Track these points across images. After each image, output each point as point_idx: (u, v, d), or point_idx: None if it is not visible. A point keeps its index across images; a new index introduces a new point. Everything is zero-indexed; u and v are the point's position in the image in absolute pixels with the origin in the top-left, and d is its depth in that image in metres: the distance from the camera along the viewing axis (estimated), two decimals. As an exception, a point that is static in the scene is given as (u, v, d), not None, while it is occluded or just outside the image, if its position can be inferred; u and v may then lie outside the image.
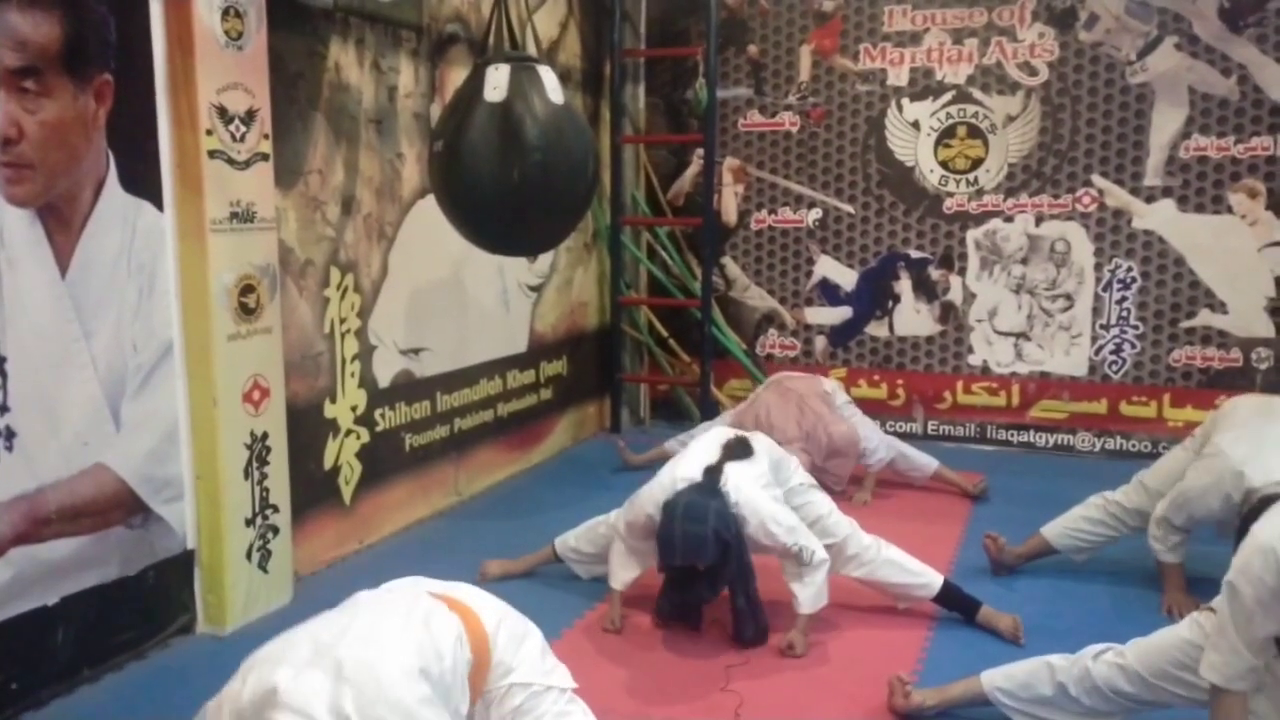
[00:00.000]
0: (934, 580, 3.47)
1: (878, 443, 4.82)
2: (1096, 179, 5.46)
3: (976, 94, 5.60)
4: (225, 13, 3.20)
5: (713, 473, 3.28)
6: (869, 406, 5.46)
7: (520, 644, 2.23)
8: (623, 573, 3.46)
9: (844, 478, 4.68)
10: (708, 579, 3.17)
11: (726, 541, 3.09)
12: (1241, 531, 2.99)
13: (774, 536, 3.20)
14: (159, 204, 3.17)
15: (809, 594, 3.25)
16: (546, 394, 5.59)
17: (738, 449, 3.43)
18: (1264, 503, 3.03)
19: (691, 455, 3.42)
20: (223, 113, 3.22)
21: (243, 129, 3.30)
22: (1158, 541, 3.54)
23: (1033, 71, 5.50)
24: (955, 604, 3.48)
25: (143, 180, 3.12)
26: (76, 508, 2.97)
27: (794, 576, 3.27)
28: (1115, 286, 5.49)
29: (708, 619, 3.43)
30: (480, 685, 2.15)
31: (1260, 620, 2.23)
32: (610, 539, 3.57)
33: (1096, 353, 5.57)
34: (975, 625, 3.42)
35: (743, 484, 3.26)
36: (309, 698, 1.79)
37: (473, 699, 2.12)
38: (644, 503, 3.33)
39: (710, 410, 5.80)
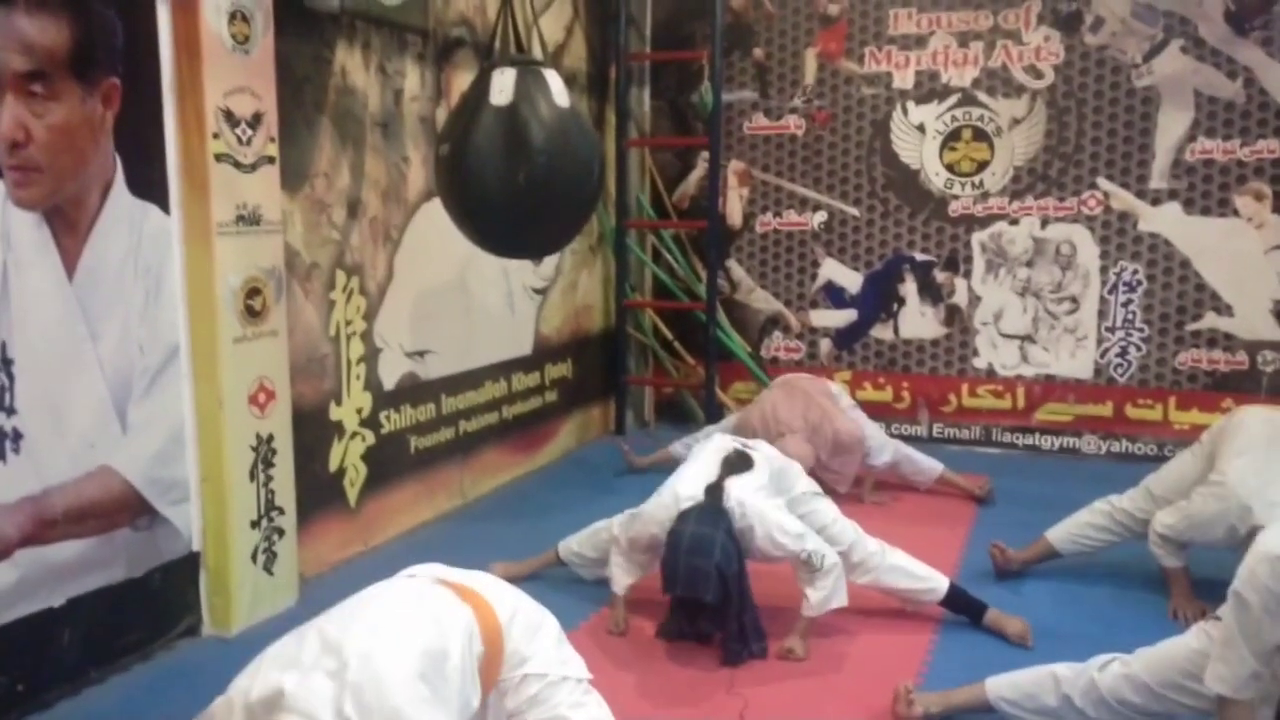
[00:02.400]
0: (940, 584, 3.47)
1: (881, 443, 4.83)
2: (1102, 182, 5.46)
3: (982, 97, 5.60)
4: (232, 17, 3.21)
5: (714, 491, 3.26)
6: (874, 409, 5.46)
7: (535, 633, 2.24)
8: (623, 578, 3.47)
9: (849, 477, 4.68)
10: (711, 614, 3.18)
11: (727, 579, 3.09)
12: None
13: (783, 546, 3.20)
14: (165, 207, 3.19)
15: (820, 597, 3.24)
16: (551, 396, 5.60)
17: (737, 463, 3.40)
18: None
19: (691, 473, 3.40)
20: (229, 116, 3.23)
21: (249, 132, 3.31)
22: (1160, 550, 3.54)
23: (1038, 74, 5.50)
24: (962, 607, 3.48)
25: (149, 183, 3.13)
26: (83, 509, 2.98)
27: (806, 581, 3.27)
28: (1121, 289, 5.48)
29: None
30: (493, 676, 2.15)
31: (1269, 629, 2.22)
32: (611, 544, 3.57)
33: (1102, 355, 5.56)
34: (982, 628, 3.42)
35: (745, 496, 3.25)
36: (314, 700, 1.84)
37: (485, 689, 2.12)
38: (647, 522, 3.33)
39: (715, 413, 5.80)
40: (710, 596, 3.06)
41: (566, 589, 3.73)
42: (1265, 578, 2.21)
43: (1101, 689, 2.60)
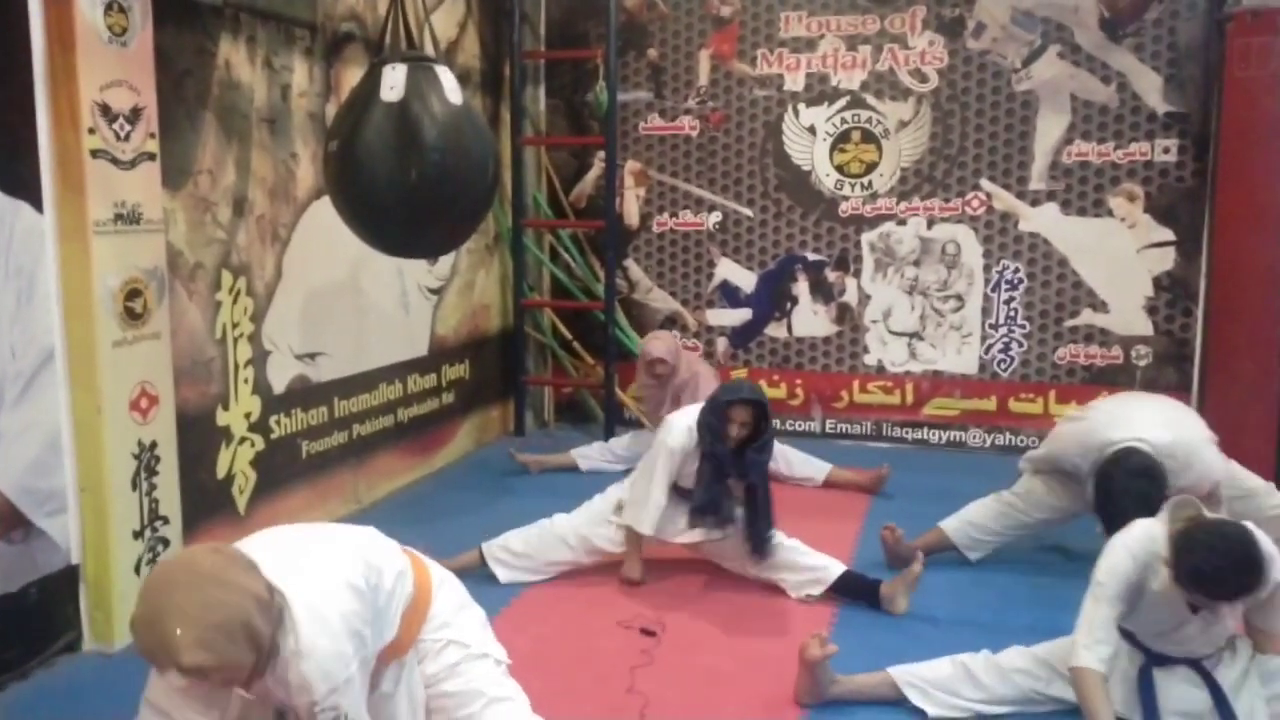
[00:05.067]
0: (834, 567, 3.63)
1: None
2: (984, 183, 5.63)
3: (870, 99, 5.73)
4: (108, 7, 3.09)
5: None
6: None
7: (461, 609, 2.34)
8: (653, 513, 3.71)
9: None
10: (754, 460, 3.59)
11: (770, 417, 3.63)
12: (1098, 491, 3.41)
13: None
14: (38, 205, 3.05)
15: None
16: (449, 398, 5.53)
17: None
18: (1113, 458, 3.39)
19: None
20: (106, 111, 3.11)
21: (127, 127, 3.19)
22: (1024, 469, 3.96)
23: (923, 78, 5.65)
24: (856, 590, 3.58)
25: (21, 180, 2.99)
26: (-49, 523, 2.84)
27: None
28: (1003, 287, 5.67)
29: (613, 624, 3.45)
30: (414, 630, 2.22)
31: (1121, 608, 2.64)
32: (552, 544, 3.79)
33: (986, 351, 5.74)
34: (879, 607, 3.55)
35: None
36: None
37: (404, 641, 2.19)
38: (678, 421, 3.74)
39: (615, 412, 5.83)
40: (766, 402, 3.60)
41: (473, 592, 3.69)
42: (1120, 563, 2.64)
43: (1002, 663, 2.86)
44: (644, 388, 5.16)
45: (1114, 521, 3.31)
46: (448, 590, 2.33)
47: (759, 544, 3.64)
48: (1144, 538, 2.66)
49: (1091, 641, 2.61)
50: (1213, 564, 2.46)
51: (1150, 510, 3.16)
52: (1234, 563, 2.45)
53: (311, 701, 1.93)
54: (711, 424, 3.58)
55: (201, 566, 1.83)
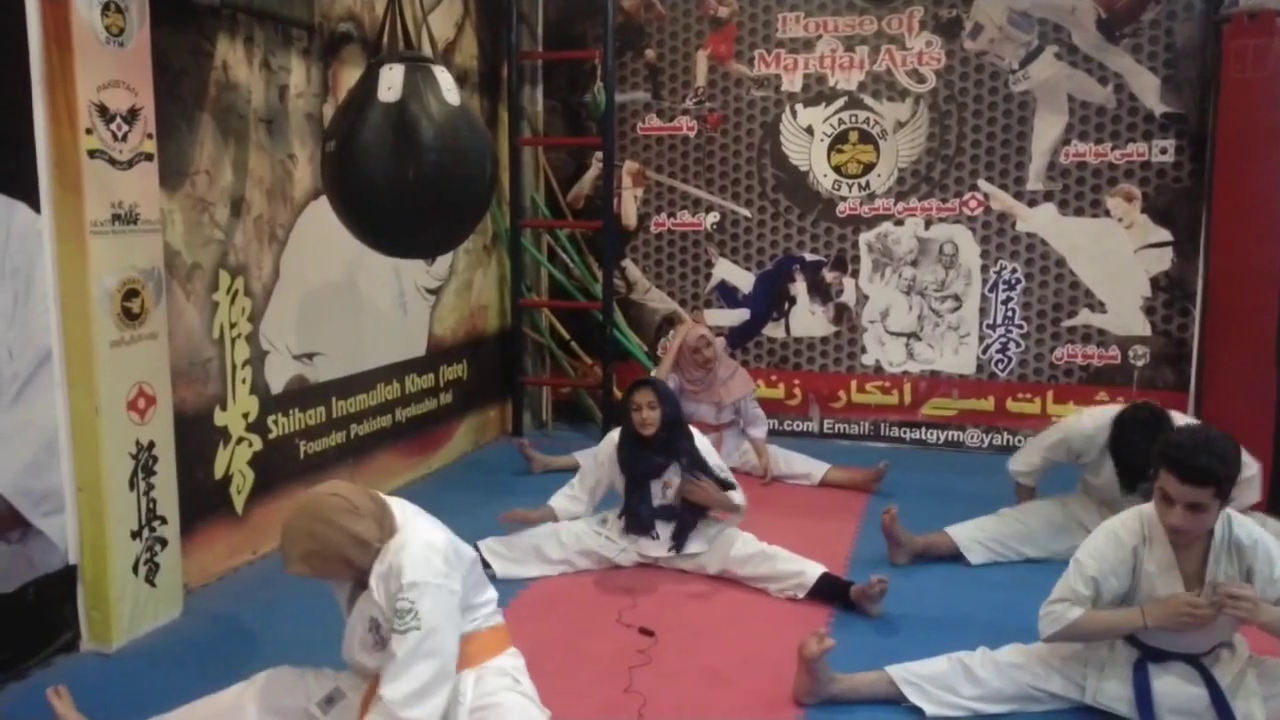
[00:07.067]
0: (811, 570, 3.65)
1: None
2: (982, 183, 5.64)
3: (868, 100, 5.73)
4: (106, 8, 3.09)
5: None
6: (767, 406, 5.54)
7: (523, 672, 2.64)
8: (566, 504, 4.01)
9: (727, 406, 5.16)
10: (661, 445, 3.79)
11: (676, 402, 3.91)
12: (1113, 441, 3.75)
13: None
14: (36, 205, 3.05)
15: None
16: (446, 398, 5.53)
17: None
18: (1127, 412, 3.77)
19: None
20: (103, 111, 3.11)
21: (125, 128, 3.19)
22: (1021, 472, 4.13)
23: (921, 79, 5.65)
24: (832, 593, 3.59)
25: (18, 181, 2.99)
26: (-52, 523, 2.84)
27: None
28: (1001, 287, 5.67)
29: (611, 623, 3.45)
30: (483, 650, 2.55)
31: (1105, 583, 2.73)
32: (545, 538, 3.89)
33: (984, 352, 5.75)
34: (851, 605, 3.55)
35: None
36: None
37: (471, 655, 2.49)
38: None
39: (612, 413, 5.82)
40: (665, 392, 3.82)
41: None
42: (1103, 546, 2.74)
43: (999, 659, 2.88)
44: (690, 383, 5.07)
45: (1129, 470, 3.74)
46: (517, 656, 2.67)
47: (681, 539, 3.84)
48: (1134, 517, 2.75)
49: (1059, 599, 2.74)
50: (1185, 437, 2.59)
51: None
52: (1206, 442, 2.54)
53: (397, 588, 2.31)
54: (626, 429, 3.85)
55: (324, 508, 2.39)
